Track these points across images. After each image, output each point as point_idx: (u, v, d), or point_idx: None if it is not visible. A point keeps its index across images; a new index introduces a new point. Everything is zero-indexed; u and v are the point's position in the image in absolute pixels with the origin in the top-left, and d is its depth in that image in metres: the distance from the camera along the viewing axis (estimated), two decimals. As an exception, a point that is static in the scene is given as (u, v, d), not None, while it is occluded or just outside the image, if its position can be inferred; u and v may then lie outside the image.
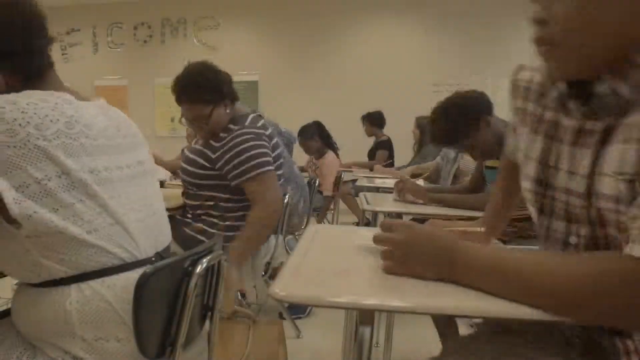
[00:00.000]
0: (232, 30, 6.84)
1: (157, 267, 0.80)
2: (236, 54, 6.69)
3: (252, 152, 1.68)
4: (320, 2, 6.62)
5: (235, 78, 1.83)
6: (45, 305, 0.79)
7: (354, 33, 6.59)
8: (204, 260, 0.89)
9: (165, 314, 0.86)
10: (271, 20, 6.72)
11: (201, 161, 1.75)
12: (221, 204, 1.76)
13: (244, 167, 1.67)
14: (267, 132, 1.80)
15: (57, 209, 0.75)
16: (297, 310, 2.50)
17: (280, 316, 2.43)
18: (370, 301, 0.68)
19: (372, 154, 5.13)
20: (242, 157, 1.67)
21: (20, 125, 0.72)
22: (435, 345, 2.11)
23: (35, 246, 0.76)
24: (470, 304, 0.67)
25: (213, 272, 1.02)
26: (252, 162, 1.67)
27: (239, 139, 1.68)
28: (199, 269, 0.87)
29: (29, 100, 0.75)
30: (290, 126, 4.11)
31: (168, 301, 0.86)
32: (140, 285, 0.78)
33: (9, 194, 0.71)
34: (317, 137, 4.35)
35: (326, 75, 6.61)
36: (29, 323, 0.82)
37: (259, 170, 1.68)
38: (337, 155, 4.48)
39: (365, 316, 0.80)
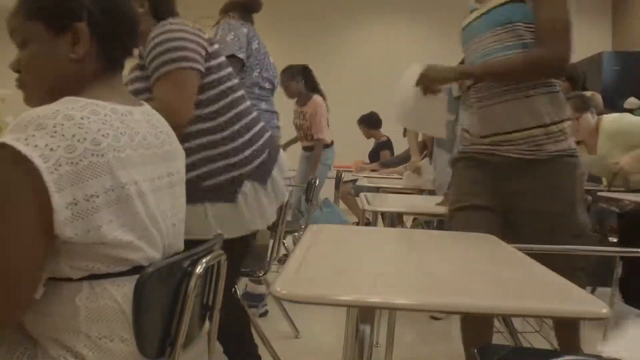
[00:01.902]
0: (232, 30, 6.83)
1: (157, 267, 0.80)
2: (236, 54, 6.69)
3: (176, 44, 1.30)
4: (320, 2, 6.62)
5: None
6: (55, 298, 0.79)
7: (354, 33, 6.58)
8: (204, 260, 0.89)
9: (165, 314, 0.86)
10: (271, 20, 6.70)
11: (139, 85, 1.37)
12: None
13: (160, 60, 1.29)
14: (207, 41, 1.40)
15: (101, 226, 0.76)
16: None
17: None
18: (374, 299, 0.68)
19: (373, 155, 5.13)
20: (161, 49, 1.30)
21: (78, 141, 0.73)
22: (436, 345, 2.11)
23: (60, 255, 0.77)
24: (475, 302, 0.67)
25: (213, 272, 1.02)
26: (172, 55, 1.29)
27: (162, 32, 1.32)
28: (198, 269, 0.87)
29: (82, 114, 0.76)
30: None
31: (168, 301, 0.86)
32: (140, 285, 0.78)
33: (61, 215, 0.72)
34: (300, 79, 3.82)
35: (326, 75, 6.60)
36: (35, 316, 0.82)
37: (176, 65, 1.29)
38: (324, 100, 3.98)
39: (365, 314, 0.80)
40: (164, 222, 0.88)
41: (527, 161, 1.40)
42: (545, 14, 1.36)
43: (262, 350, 1.95)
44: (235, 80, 1.47)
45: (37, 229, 0.72)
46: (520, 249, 1.03)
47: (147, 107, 0.94)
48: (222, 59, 1.45)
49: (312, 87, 3.91)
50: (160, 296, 0.84)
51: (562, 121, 1.41)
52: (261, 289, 2.62)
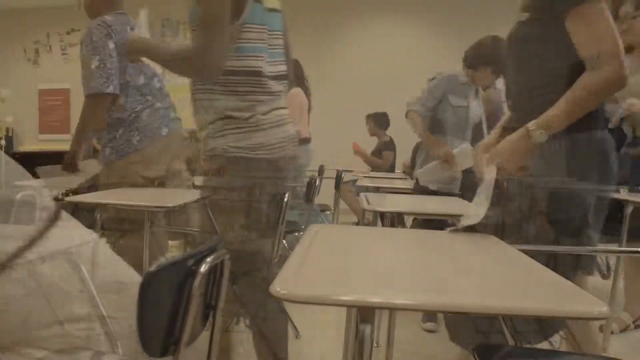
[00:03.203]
0: (233, 30, 6.83)
1: (162, 266, 0.81)
2: (236, 54, 6.68)
3: None
4: (321, 1, 6.62)
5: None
6: None
7: (356, 32, 6.59)
8: (208, 259, 0.90)
9: (169, 313, 0.86)
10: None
11: None
12: None
13: None
14: None
15: None
16: None
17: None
18: (374, 299, 0.68)
19: (375, 155, 5.14)
20: None
21: None
22: (436, 345, 2.12)
23: None
24: (476, 302, 0.68)
25: (216, 271, 1.03)
26: None
27: None
28: (203, 268, 0.87)
29: None
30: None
31: (172, 300, 0.86)
32: (145, 284, 0.78)
33: None
34: None
35: (327, 74, 6.62)
36: None
37: None
38: (308, 98, 3.96)
39: (365, 314, 0.80)
40: None
41: None
42: None
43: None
44: None
45: None
46: (520, 249, 1.04)
47: None
48: None
49: (297, 81, 3.87)
50: (165, 295, 0.85)
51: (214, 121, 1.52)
52: None
